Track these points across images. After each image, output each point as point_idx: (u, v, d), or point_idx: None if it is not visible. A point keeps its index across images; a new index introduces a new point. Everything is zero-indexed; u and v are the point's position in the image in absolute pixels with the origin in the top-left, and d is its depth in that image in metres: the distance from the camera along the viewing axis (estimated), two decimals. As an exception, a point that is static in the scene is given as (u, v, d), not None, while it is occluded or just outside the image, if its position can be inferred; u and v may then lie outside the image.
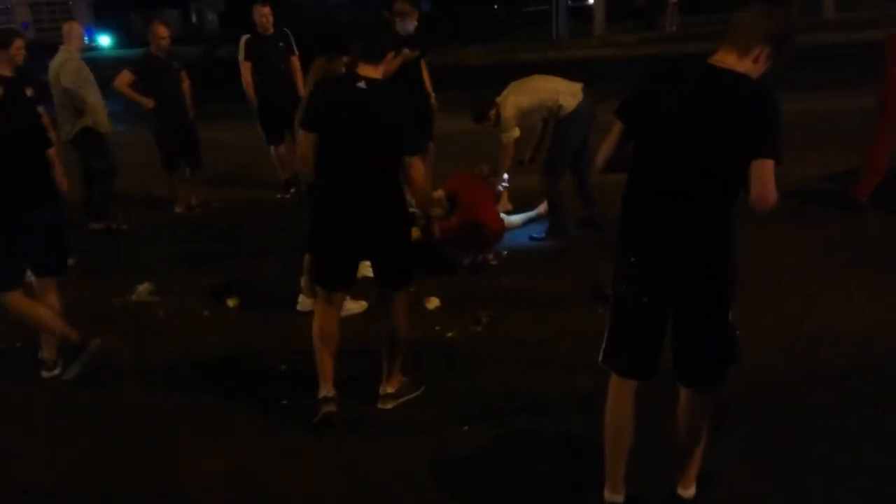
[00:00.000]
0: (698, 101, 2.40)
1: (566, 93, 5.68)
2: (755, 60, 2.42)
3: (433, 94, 6.76)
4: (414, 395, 3.75)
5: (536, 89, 5.81)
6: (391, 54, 3.56)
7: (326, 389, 3.57)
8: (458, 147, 7.83)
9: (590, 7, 22.35)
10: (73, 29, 6.71)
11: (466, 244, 5.43)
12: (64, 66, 6.41)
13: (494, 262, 5.51)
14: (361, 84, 3.31)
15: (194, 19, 42.39)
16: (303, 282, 4.81)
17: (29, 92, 5.47)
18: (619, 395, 2.69)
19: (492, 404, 3.66)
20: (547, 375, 3.91)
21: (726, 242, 2.47)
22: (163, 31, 7.05)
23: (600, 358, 2.70)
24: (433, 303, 4.80)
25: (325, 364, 3.57)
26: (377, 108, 3.29)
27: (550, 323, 4.50)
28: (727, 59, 2.43)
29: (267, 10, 7.31)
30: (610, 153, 2.64)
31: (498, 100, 5.82)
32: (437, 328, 4.48)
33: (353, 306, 4.65)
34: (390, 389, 3.70)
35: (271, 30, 7.35)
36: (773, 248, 5.33)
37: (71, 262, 5.75)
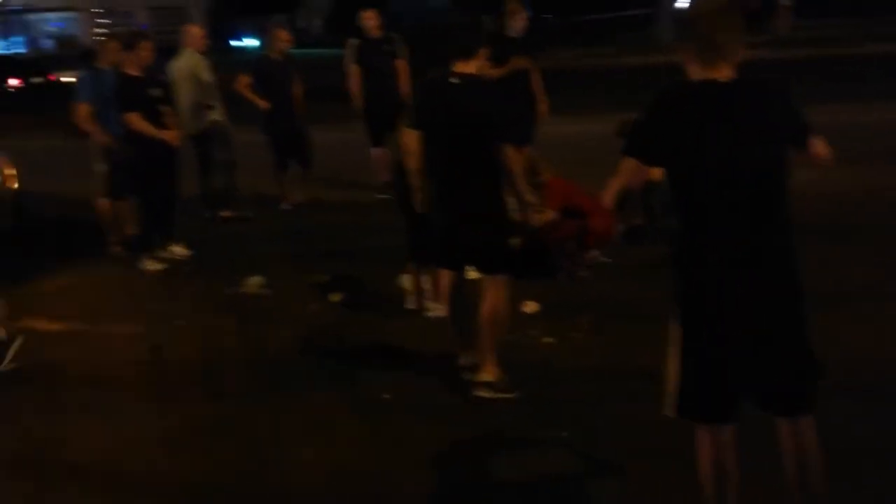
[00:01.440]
0: (742, 121, 2.27)
1: None
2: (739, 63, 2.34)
3: (544, 99, 6.75)
4: (508, 395, 3.74)
5: None
6: (484, 50, 3.72)
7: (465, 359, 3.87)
8: (560, 151, 7.76)
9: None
10: (194, 31, 7.18)
11: (570, 240, 5.36)
12: (199, 65, 6.84)
13: (605, 260, 5.42)
14: (454, 79, 3.57)
15: (301, 24, 43.76)
16: (404, 281, 4.90)
17: (155, 92, 5.86)
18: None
19: (585, 415, 3.58)
20: (646, 389, 3.81)
21: (793, 253, 2.36)
22: (285, 35, 7.41)
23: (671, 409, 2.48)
24: (531, 307, 4.78)
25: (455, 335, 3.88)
26: (468, 100, 3.54)
27: (654, 335, 4.38)
28: (726, 73, 2.31)
29: (372, 14, 7.49)
30: (621, 189, 2.57)
31: None
32: (533, 333, 4.46)
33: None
34: (488, 377, 3.74)
35: (378, 34, 7.50)
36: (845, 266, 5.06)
37: (185, 252, 6.14)
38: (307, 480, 3.25)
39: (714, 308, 2.37)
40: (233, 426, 3.72)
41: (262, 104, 7.23)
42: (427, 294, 4.82)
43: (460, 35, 3.74)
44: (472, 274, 4.92)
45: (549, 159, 6.34)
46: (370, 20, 7.45)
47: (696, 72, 2.33)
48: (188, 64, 6.90)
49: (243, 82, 7.25)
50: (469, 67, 3.64)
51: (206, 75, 6.90)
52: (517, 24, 6.43)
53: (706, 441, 2.45)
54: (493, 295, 3.72)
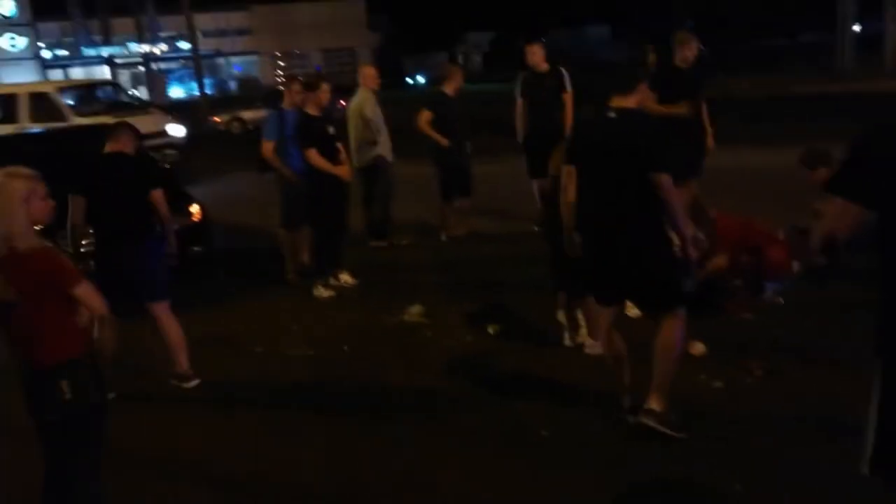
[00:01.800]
0: None
1: None
2: None
3: (710, 131, 6.54)
4: (673, 434, 3.63)
5: None
6: (643, 85, 3.74)
7: (628, 401, 3.84)
8: (729, 182, 7.45)
9: (879, 36, 20.11)
10: (369, 71, 7.59)
11: (740, 278, 5.13)
12: (367, 102, 7.27)
13: (779, 301, 5.16)
14: (612, 114, 3.63)
15: (460, 60, 45.12)
16: (560, 317, 4.87)
17: (331, 130, 6.25)
18: None
19: (760, 467, 3.40)
20: (827, 441, 3.54)
21: None
22: (460, 73, 7.85)
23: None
24: (698, 348, 4.58)
25: (621, 376, 3.85)
26: (625, 134, 3.57)
27: (834, 383, 4.08)
28: None
29: (536, 48, 7.57)
30: (829, 235, 2.28)
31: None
32: (702, 376, 4.27)
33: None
34: (655, 406, 3.68)
35: (544, 67, 7.55)
36: None
37: (352, 280, 6.45)
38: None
39: None
40: (388, 448, 3.84)
41: (442, 141, 7.51)
42: (582, 328, 4.77)
43: (619, 69, 3.78)
44: (632, 311, 4.88)
45: (722, 191, 6.11)
46: (535, 54, 7.53)
47: None
48: (358, 102, 7.34)
49: (425, 118, 7.59)
50: (628, 101, 3.66)
51: (371, 112, 7.26)
52: (688, 55, 6.27)
53: None
54: (668, 328, 3.66)
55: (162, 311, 4.62)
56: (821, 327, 4.85)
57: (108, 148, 4.58)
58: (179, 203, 6.95)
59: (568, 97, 7.45)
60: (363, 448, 3.88)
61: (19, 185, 2.74)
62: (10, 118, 13.12)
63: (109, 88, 16.33)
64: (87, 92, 15.25)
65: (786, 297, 5.30)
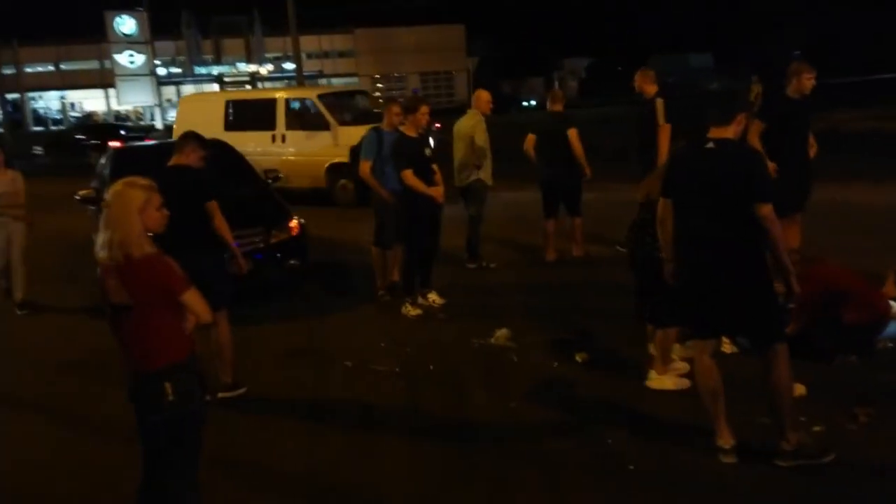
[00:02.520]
0: None
1: None
2: None
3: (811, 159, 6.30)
4: (819, 461, 3.62)
5: None
6: (741, 116, 3.70)
7: (723, 440, 3.72)
8: (838, 219, 7.11)
9: None
10: (481, 95, 7.61)
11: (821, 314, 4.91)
12: (478, 126, 7.36)
13: (889, 345, 4.92)
14: (710, 145, 3.63)
15: (556, 85, 45.04)
16: (651, 349, 4.75)
17: (427, 151, 6.35)
18: None
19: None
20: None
21: None
22: (560, 94, 7.98)
23: None
24: (799, 390, 4.37)
25: (717, 412, 3.75)
26: (723, 164, 3.57)
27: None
28: None
29: (639, 76, 7.43)
30: None
31: None
32: (802, 419, 4.07)
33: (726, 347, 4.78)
34: (786, 447, 3.64)
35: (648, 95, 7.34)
36: None
37: (441, 300, 6.49)
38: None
39: None
40: (468, 471, 3.84)
41: (536, 161, 7.64)
42: (653, 362, 4.66)
43: (719, 101, 3.75)
44: (727, 347, 4.72)
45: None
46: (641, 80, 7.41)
47: None
48: (469, 124, 7.38)
49: (531, 143, 7.67)
50: (726, 132, 3.64)
51: (481, 137, 7.33)
52: (805, 84, 6.06)
53: None
54: (776, 364, 3.62)
55: (219, 319, 4.68)
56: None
57: (174, 160, 4.74)
58: (279, 218, 7.21)
59: (661, 129, 7.21)
60: (447, 468, 3.90)
61: (137, 194, 2.92)
62: (269, 124, 12.68)
63: (361, 97, 14.96)
64: (345, 100, 13.97)
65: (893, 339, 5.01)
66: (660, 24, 43.65)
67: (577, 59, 63.66)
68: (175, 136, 11.01)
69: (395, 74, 52.82)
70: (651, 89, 7.31)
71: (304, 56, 34.62)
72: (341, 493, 3.76)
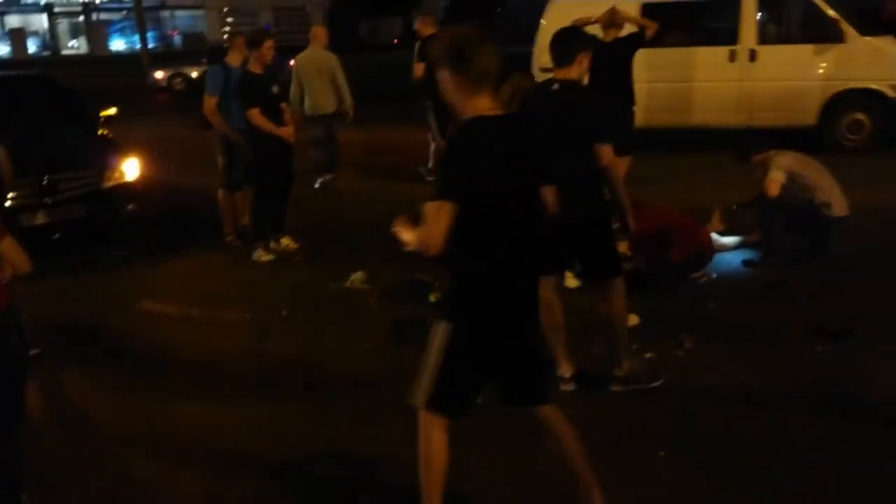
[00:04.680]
0: None
1: (841, 200, 5.48)
2: None
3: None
4: (649, 385, 3.87)
5: (822, 174, 5.57)
6: (582, 56, 3.76)
7: (563, 369, 3.93)
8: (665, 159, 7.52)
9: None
10: (318, 31, 8.29)
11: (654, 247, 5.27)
12: (331, 59, 8.17)
13: (703, 280, 5.31)
14: (555, 86, 3.72)
15: (415, 26, 44.39)
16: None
17: (275, 89, 6.09)
18: None
19: (684, 432, 3.53)
20: (750, 412, 3.68)
21: None
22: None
23: None
24: (632, 320, 4.66)
25: (556, 343, 3.92)
26: (566, 105, 3.63)
27: (759, 355, 4.23)
28: None
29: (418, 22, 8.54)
30: None
31: (773, 153, 5.57)
32: (634, 347, 4.35)
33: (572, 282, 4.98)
34: (619, 373, 3.89)
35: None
36: None
37: (294, 244, 6.35)
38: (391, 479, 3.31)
39: None
40: (319, 418, 3.82)
41: None
42: None
43: (559, 42, 3.80)
44: (571, 282, 4.94)
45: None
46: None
47: None
48: (324, 57, 8.09)
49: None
50: (570, 73, 3.72)
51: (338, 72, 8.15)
52: (608, 34, 6.53)
53: None
54: (614, 297, 3.82)
55: None
56: (751, 302, 5.01)
57: None
58: (113, 159, 6.73)
59: None
60: (299, 418, 3.85)
61: None
62: (725, 35, 9.24)
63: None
64: None
65: (716, 272, 5.46)
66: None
67: (436, -1, 63.19)
68: (542, 47, 8.89)
69: (246, 9, 50.18)
70: (429, 31, 8.04)
71: (143, -15, 32.13)
72: (182, 449, 3.63)
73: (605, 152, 3.62)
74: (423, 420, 2.69)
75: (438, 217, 2.37)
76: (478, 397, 2.71)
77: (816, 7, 8.79)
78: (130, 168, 6.76)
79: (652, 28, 6.60)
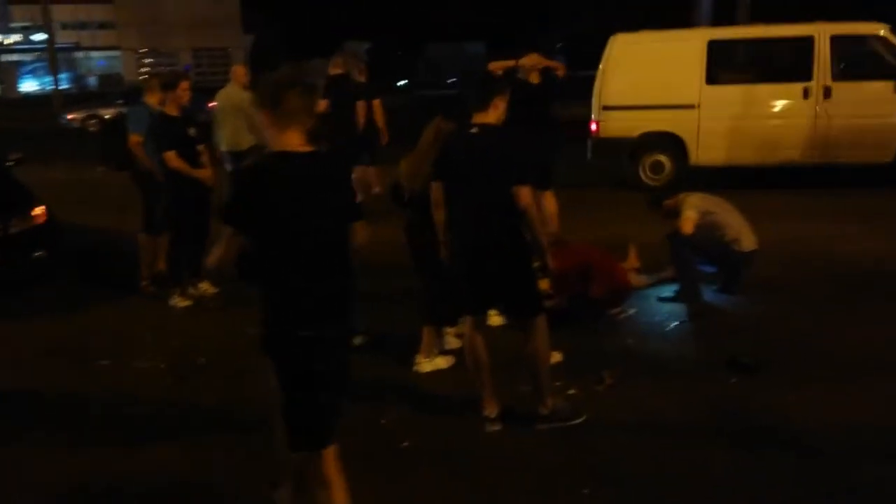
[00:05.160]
0: None
1: (750, 235, 5.71)
2: None
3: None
4: (573, 422, 3.89)
5: (730, 212, 5.79)
6: (498, 100, 3.85)
7: (489, 409, 3.94)
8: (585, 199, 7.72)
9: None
10: (238, 70, 8.70)
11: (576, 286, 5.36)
12: (248, 98, 7.90)
13: (622, 317, 5.42)
14: (474, 130, 3.79)
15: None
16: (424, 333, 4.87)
17: (192, 131, 5.98)
18: None
19: (608, 469, 3.56)
20: (669, 444, 3.75)
21: None
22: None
23: None
24: (555, 357, 4.70)
25: (483, 384, 3.94)
26: (486, 148, 3.72)
27: (677, 389, 4.33)
28: None
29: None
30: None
31: (682, 195, 5.77)
32: (557, 384, 4.39)
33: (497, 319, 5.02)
34: (544, 411, 3.89)
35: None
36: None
37: (213, 290, 6.18)
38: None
39: None
40: (246, 461, 3.70)
41: None
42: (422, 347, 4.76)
43: (476, 86, 3.89)
44: (495, 319, 4.97)
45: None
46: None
47: None
48: (242, 96, 8.13)
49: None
50: (487, 117, 3.80)
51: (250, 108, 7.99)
52: (533, 77, 6.69)
53: None
54: (537, 335, 3.84)
55: None
56: (668, 337, 5.15)
57: None
58: (20, 204, 6.44)
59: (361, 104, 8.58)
60: (217, 464, 3.73)
61: None
62: (797, 72, 9.30)
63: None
64: None
65: (634, 308, 5.59)
66: (437, 12, 44.97)
67: (359, 42, 63.67)
68: (606, 83, 9.55)
69: (165, 50, 49.42)
70: (337, 71, 8.66)
71: (57, 26, 31.28)
72: (91, 498, 3.46)
73: (524, 193, 3.68)
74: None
75: (228, 243, 2.55)
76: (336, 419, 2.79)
77: (889, 43, 9.00)
78: (38, 213, 6.48)
79: (561, 69, 6.91)
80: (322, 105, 8.32)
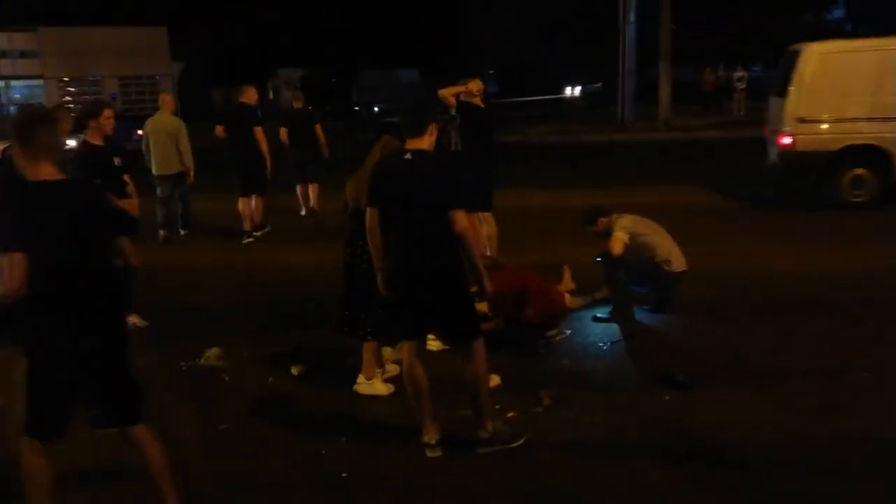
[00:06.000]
0: None
1: (679, 256, 5.86)
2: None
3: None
4: (513, 445, 3.90)
5: (659, 233, 5.92)
6: (432, 126, 3.91)
7: (429, 436, 3.91)
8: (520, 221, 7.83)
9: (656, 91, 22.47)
10: (166, 98, 9.35)
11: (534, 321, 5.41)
12: (180, 125, 9.04)
13: (558, 338, 5.49)
14: (408, 156, 3.81)
15: (270, 95, 44.36)
16: (363, 354, 4.82)
17: (116, 160, 5.81)
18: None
19: (549, 490, 3.58)
20: (608, 462, 3.80)
21: None
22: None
23: None
24: (494, 381, 4.72)
25: (423, 410, 3.92)
26: (420, 174, 3.74)
27: (613, 407, 4.39)
28: None
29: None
30: None
31: (615, 216, 5.88)
32: (497, 407, 4.40)
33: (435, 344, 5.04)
34: (484, 435, 3.90)
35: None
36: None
37: (142, 323, 6.00)
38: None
39: None
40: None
41: None
42: (364, 367, 4.73)
43: (410, 113, 3.93)
44: (433, 344, 4.96)
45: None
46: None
47: None
48: (173, 123, 8.95)
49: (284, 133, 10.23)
50: (421, 143, 3.83)
51: (183, 133, 9.01)
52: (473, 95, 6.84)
53: None
54: (475, 358, 3.85)
55: None
56: (603, 356, 5.23)
57: None
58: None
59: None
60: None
61: None
62: None
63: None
64: None
65: (569, 329, 5.67)
66: (370, 40, 45.10)
67: (292, 69, 63.24)
68: (802, 94, 9.05)
69: (91, 78, 48.04)
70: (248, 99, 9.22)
71: (-27, 54, 30.16)
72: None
73: (459, 217, 3.69)
74: (24, 446, 3.08)
75: (12, 267, 2.80)
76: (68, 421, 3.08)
77: None
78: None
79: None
80: (219, 131, 9.31)
